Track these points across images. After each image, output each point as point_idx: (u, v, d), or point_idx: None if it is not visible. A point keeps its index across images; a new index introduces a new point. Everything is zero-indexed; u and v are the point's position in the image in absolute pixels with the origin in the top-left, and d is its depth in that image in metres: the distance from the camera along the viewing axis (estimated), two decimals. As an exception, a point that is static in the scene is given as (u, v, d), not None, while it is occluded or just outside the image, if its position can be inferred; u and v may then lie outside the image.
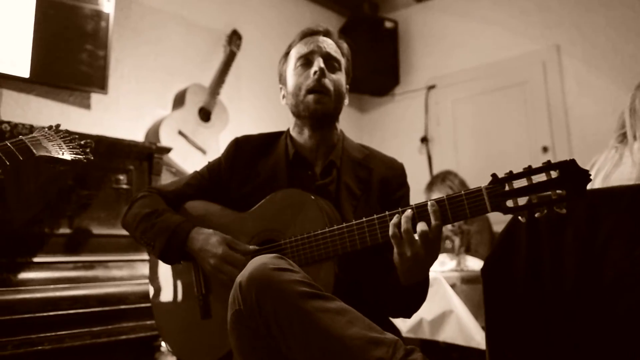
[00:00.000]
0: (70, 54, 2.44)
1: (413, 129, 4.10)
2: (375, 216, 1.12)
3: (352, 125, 4.19)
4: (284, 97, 1.40)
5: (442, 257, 2.31)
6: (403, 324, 2.04)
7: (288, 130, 1.41)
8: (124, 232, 1.39)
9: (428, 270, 1.15)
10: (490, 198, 1.01)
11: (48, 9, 2.36)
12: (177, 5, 3.11)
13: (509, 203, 0.99)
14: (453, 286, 2.05)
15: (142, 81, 2.86)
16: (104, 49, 2.53)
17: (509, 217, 1.08)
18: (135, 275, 2.01)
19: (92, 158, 1.13)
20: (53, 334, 1.71)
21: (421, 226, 1.04)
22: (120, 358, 1.94)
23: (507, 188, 1.00)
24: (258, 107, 3.48)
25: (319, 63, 1.29)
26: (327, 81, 1.29)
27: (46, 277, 1.80)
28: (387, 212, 1.10)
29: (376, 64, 4.00)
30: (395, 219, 1.07)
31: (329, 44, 1.35)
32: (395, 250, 1.07)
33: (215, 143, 2.90)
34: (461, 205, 1.04)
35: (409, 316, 1.30)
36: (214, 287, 1.28)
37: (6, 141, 1.02)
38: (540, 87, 3.54)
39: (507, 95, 3.69)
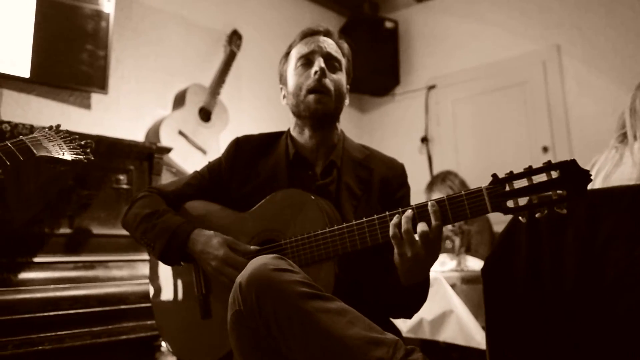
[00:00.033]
0: (70, 54, 2.44)
1: (413, 129, 4.09)
2: (375, 216, 1.11)
3: (352, 125, 4.18)
4: (284, 97, 1.39)
5: (443, 257, 2.31)
6: (403, 324, 2.04)
7: (288, 130, 1.40)
8: (124, 232, 1.39)
9: (428, 271, 1.15)
10: (491, 198, 1.01)
11: (48, 9, 2.36)
12: (178, 6, 3.11)
13: (510, 203, 0.99)
14: (453, 286, 2.05)
15: (143, 81, 2.86)
16: (104, 49, 2.53)
17: (509, 217, 1.08)
18: (135, 275, 2.01)
19: (93, 158, 1.13)
20: (53, 334, 1.71)
21: (421, 226, 1.04)
22: (120, 358, 1.94)
23: (507, 188, 1.00)
24: (258, 107, 3.48)
25: (319, 63, 1.29)
26: (327, 81, 1.29)
27: (46, 277, 1.80)
28: (387, 213, 1.10)
29: (376, 64, 4.00)
30: (395, 219, 1.07)
31: (329, 44, 1.35)
32: (395, 250, 1.07)
33: (215, 143, 2.90)
34: (461, 206, 1.03)
35: (409, 316, 1.30)
36: (214, 287, 1.28)
37: (6, 141, 1.02)
38: (541, 87, 3.53)
39: (507, 95, 3.69)
